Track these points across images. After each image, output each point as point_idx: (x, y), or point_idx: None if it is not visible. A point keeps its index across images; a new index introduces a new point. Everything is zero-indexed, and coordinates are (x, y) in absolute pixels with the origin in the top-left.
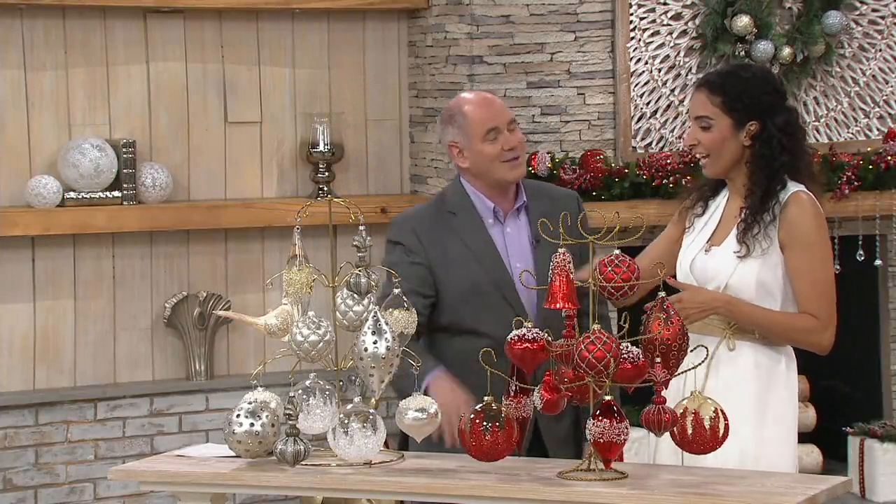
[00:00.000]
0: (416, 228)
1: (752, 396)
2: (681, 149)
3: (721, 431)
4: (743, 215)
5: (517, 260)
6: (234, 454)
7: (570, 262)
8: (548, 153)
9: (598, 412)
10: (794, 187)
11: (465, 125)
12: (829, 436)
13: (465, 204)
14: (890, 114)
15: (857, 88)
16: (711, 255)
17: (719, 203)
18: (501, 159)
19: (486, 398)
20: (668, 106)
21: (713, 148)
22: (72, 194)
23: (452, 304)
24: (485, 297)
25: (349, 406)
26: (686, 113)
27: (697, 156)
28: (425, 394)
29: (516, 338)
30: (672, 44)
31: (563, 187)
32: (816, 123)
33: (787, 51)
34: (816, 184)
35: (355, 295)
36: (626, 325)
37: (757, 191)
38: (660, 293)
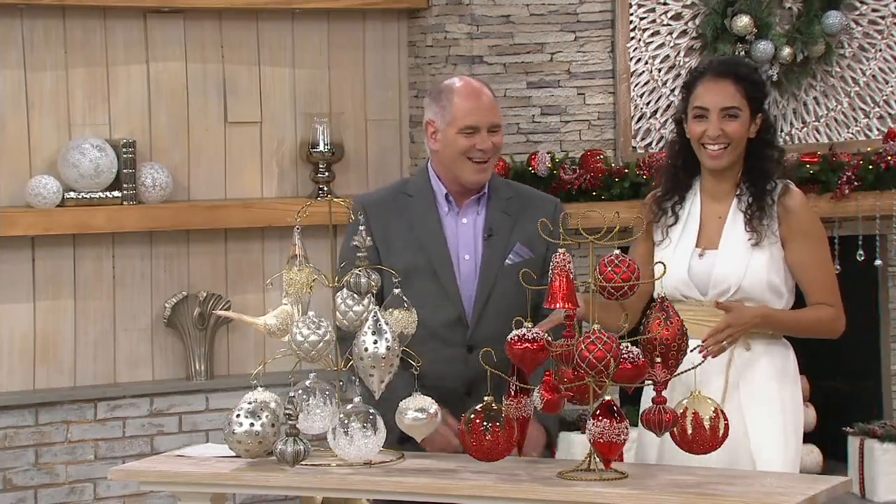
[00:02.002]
0: (366, 207)
1: (775, 394)
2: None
3: (721, 431)
4: (745, 205)
5: (466, 251)
6: (234, 454)
7: (570, 262)
8: (548, 153)
9: (598, 412)
10: (780, 181)
11: (448, 110)
12: (829, 436)
13: (424, 189)
14: (890, 114)
15: (857, 88)
16: (711, 259)
17: (690, 207)
18: (469, 156)
19: (486, 398)
20: (668, 106)
21: (737, 139)
22: (72, 194)
23: (390, 287)
24: (422, 283)
25: (349, 406)
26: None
27: (715, 147)
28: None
29: (516, 338)
30: (672, 44)
31: (548, 194)
32: (816, 123)
33: (787, 51)
34: (791, 175)
35: (355, 295)
36: (626, 325)
37: (760, 183)
38: (660, 293)
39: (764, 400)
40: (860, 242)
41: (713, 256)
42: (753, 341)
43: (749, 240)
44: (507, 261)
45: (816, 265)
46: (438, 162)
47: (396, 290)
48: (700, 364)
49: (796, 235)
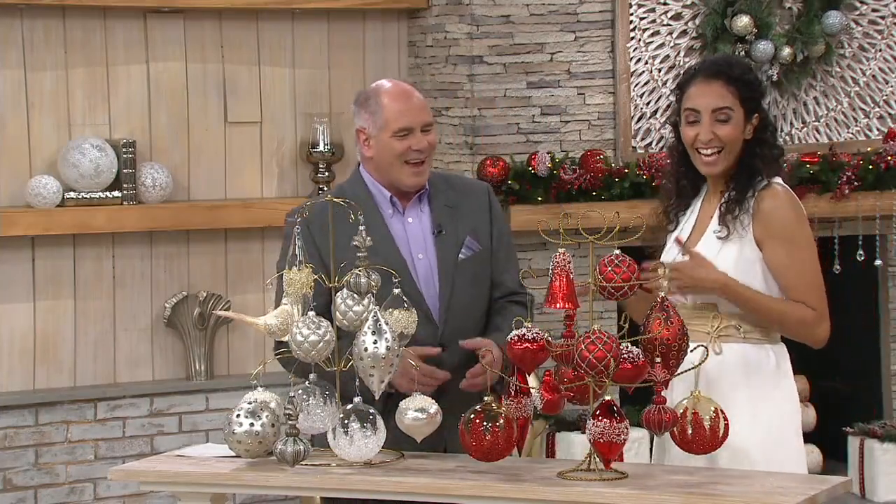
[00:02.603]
0: (308, 220)
1: (744, 399)
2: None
3: (721, 431)
4: (725, 198)
5: (418, 250)
6: (234, 454)
7: (569, 262)
8: (548, 153)
9: (597, 412)
10: (767, 179)
11: (379, 115)
12: (829, 436)
13: (363, 194)
14: (890, 114)
15: (857, 88)
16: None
17: (692, 210)
18: (405, 158)
19: (486, 398)
20: (668, 106)
21: (731, 142)
22: (72, 194)
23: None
24: (382, 289)
25: (349, 406)
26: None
27: (708, 152)
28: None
29: (516, 338)
30: (672, 44)
31: (474, 179)
32: (816, 123)
33: (787, 51)
34: (788, 176)
35: (355, 295)
36: (626, 325)
37: (745, 179)
38: (660, 293)
39: (733, 406)
40: (860, 242)
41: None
42: (726, 344)
43: (716, 232)
44: (460, 255)
45: (795, 268)
46: (374, 168)
47: (396, 291)
48: (700, 364)
49: (771, 236)
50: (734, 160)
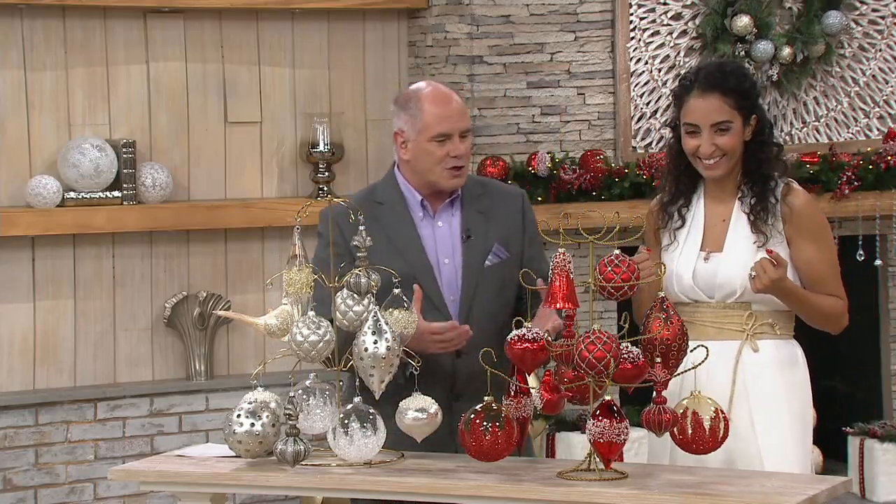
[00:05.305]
0: (338, 219)
1: (782, 393)
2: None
3: (721, 432)
4: (749, 207)
5: (445, 255)
6: (234, 454)
7: (569, 262)
8: (548, 153)
9: (597, 412)
10: (781, 179)
11: (418, 119)
12: (829, 436)
13: (395, 196)
14: (890, 114)
15: (857, 88)
16: (716, 263)
17: (694, 210)
18: (444, 165)
19: (486, 398)
20: (668, 106)
21: (732, 149)
22: (72, 194)
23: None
24: (404, 291)
25: (349, 406)
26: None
27: (710, 161)
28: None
29: (516, 338)
30: (672, 44)
31: (510, 185)
32: (816, 123)
33: (787, 51)
34: (791, 172)
35: (355, 295)
36: (626, 325)
37: (759, 182)
38: (659, 294)
39: (773, 401)
40: (860, 242)
41: (718, 259)
42: (761, 341)
43: (755, 242)
44: (486, 262)
45: (824, 263)
46: (410, 171)
47: (396, 290)
48: (700, 364)
49: (802, 234)
50: (735, 162)
